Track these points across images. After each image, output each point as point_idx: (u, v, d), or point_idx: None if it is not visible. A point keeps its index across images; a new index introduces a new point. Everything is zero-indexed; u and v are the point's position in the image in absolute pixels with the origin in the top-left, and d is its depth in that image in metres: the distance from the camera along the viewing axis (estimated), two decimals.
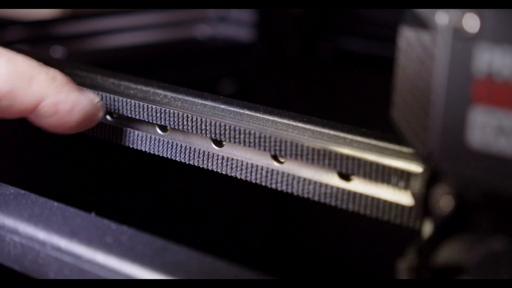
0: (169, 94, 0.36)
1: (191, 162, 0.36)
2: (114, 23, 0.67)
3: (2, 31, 0.59)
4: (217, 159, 0.35)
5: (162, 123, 0.36)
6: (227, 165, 0.35)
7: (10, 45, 0.58)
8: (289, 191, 0.33)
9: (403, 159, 0.30)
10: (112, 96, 0.37)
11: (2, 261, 0.33)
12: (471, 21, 0.24)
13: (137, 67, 0.64)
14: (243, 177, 0.35)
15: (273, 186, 0.34)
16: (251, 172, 0.34)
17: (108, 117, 0.38)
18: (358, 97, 0.71)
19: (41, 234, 0.32)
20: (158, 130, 0.37)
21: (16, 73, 0.33)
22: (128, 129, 0.38)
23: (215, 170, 0.36)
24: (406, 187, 0.30)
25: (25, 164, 0.55)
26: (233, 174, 0.35)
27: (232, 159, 0.35)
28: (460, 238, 0.25)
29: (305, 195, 0.33)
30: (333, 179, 0.32)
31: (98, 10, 0.66)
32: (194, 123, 0.35)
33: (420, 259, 0.25)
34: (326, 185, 0.32)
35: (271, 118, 0.34)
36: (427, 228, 0.26)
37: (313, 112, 0.35)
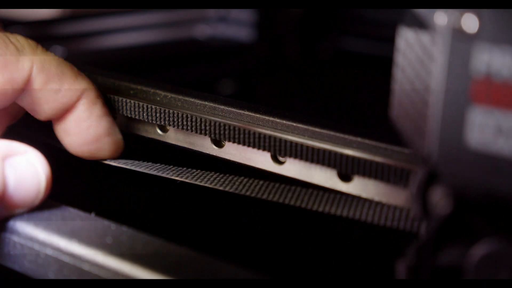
0: (169, 94, 0.36)
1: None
2: (114, 23, 0.67)
3: None
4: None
5: (162, 123, 0.36)
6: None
7: None
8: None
9: (402, 159, 0.30)
10: (112, 96, 0.37)
11: (2, 261, 0.33)
12: (470, 22, 0.24)
13: (137, 67, 0.64)
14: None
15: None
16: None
17: None
18: (357, 97, 0.70)
19: (41, 234, 0.32)
20: (158, 130, 0.37)
21: (65, 64, 0.35)
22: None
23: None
24: (405, 188, 0.30)
25: None
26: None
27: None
28: (459, 239, 0.25)
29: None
30: (333, 179, 0.32)
31: (98, 10, 0.66)
32: (194, 123, 0.35)
33: (419, 259, 0.26)
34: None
35: (271, 118, 0.34)
36: (426, 229, 0.26)
37: (313, 112, 0.35)
